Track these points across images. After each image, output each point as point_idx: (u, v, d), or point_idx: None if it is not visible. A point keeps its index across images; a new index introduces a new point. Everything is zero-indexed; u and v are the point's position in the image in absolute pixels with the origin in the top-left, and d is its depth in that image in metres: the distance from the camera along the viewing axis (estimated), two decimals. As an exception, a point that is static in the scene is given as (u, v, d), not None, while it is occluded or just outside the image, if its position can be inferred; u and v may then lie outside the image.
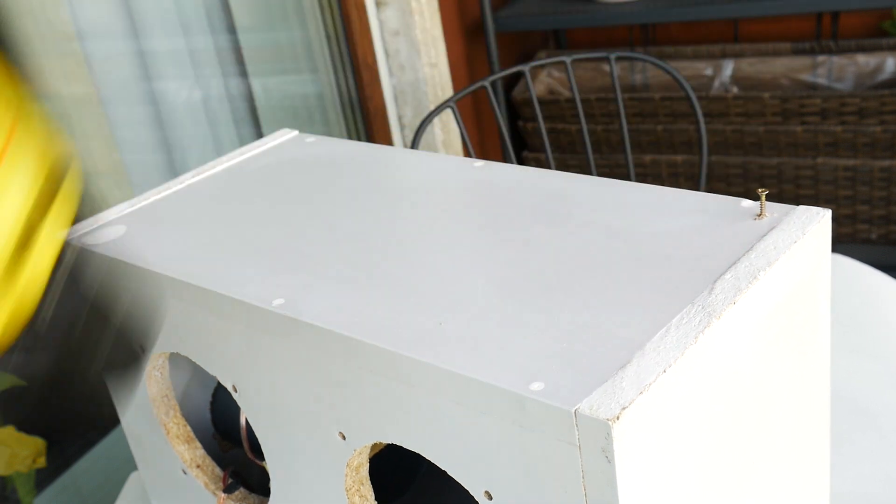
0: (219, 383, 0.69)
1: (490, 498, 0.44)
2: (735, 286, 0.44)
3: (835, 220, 1.99)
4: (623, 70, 2.23)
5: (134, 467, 0.92)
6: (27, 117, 0.47)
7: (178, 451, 0.66)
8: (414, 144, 1.35)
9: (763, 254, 0.47)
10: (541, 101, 2.15)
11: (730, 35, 2.24)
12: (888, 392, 0.84)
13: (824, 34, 2.11)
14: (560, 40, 2.43)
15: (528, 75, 1.43)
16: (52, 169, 0.47)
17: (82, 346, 0.54)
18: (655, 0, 1.98)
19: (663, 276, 0.47)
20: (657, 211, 0.53)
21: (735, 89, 2.09)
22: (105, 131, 1.41)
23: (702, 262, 0.47)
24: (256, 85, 1.64)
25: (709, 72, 2.12)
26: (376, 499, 0.53)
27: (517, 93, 2.17)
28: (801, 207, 0.50)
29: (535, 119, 2.00)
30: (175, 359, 0.65)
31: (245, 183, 0.68)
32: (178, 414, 0.66)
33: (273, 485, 0.58)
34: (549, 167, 1.48)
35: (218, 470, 0.67)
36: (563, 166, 2.17)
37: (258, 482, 0.67)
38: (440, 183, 0.62)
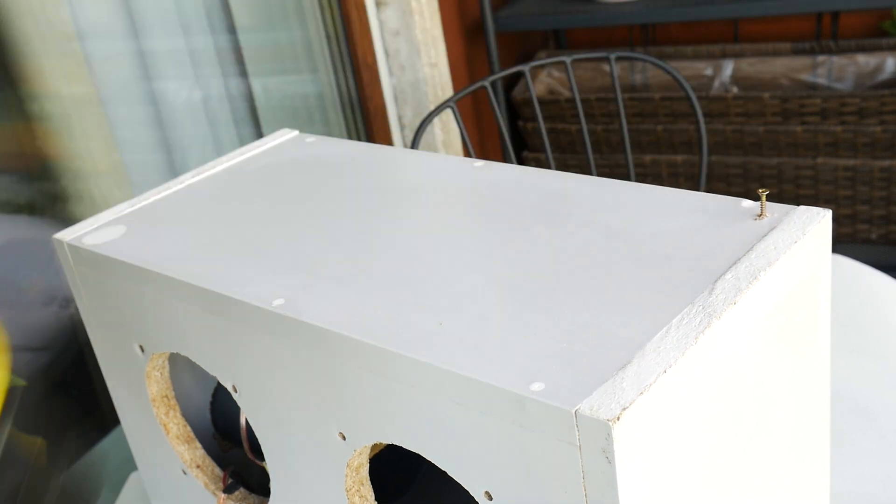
0: (219, 383, 0.69)
1: (490, 498, 0.44)
2: (735, 286, 0.44)
3: (835, 220, 1.99)
4: (623, 70, 2.23)
5: (134, 467, 0.92)
6: None
7: (178, 451, 0.66)
8: (414, 144, 1.35)
9: (763, 254, 0.47)
10: (541, 101, 2.15)
11: (730, 35, 2.24)
12: (888, 392, 0.84)
13: (824, 34, 2.11)
14: (560, 40, 2.43)
15: (528, 75, 1.43)
16: None
17: None
18: (655, 0, 1.98)
19: (663, 276, 0.47)
20: (657, 211, 0.53)
21: (735, 89, 2.09)
22: (105, 131, 1.41)
23: (702, 262, 0.47)
24: (256, 85, 1.64)
25: (709, 72, 2.12)
26: (376, 499, 0.53)
27: (517, 93, 2.17)
28: (802, 208, 0.50)
29: (535, 119, 2.00)
30: (175, 359, 0.65)
31: (245, 183, 0.68)
32: (178, 414, 0.66)
33: (273, 485, 0.58)
34: (549, 167, 1.48)
35: (218, 470, 0.67)
36: (563, 166, 2.17)
37: (258, 482, 0.67)
38: (440, 183, 0.62)
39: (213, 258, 0.57)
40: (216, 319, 0.54)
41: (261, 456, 0.59)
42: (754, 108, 1.95)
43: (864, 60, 1.97)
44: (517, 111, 2.21)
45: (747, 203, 0.52)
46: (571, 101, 2.11)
